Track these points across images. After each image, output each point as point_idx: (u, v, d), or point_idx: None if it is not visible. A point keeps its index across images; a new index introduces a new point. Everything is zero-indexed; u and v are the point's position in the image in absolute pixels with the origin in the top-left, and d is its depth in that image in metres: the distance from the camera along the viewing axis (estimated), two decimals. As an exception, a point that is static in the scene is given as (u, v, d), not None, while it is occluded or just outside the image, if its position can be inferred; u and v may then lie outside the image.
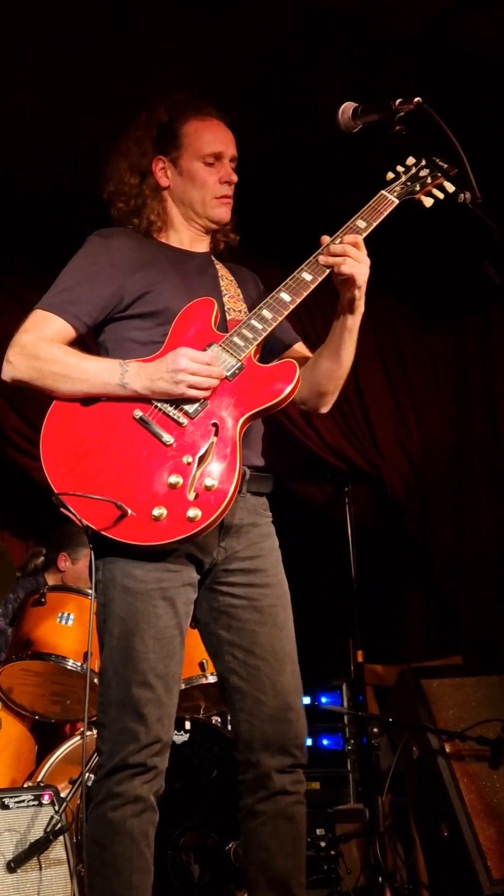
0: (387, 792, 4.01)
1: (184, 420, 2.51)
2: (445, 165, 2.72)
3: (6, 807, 3.15)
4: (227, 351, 2.57)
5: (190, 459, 2.46)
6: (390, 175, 2.77)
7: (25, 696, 4.10)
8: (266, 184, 4.65)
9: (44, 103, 4.41)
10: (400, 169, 2.78)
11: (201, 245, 2.89)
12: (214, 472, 2.45)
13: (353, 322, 2.70)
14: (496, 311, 5.95)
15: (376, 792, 4.01)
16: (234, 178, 2.82)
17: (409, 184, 2.75)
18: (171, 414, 2.52)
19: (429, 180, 2.75)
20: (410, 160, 2.77)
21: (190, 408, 2.51)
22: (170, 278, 2.72)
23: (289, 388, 2.55)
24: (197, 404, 2.52)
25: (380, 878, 3.84)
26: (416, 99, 2.61)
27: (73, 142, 4.52)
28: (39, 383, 2.57)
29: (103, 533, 2.44)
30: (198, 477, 2.45)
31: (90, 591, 4.06)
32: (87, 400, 2.56)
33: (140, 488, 2.45)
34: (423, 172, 2.76)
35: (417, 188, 2.75)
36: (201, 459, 2.46)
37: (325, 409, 2.86)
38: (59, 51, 4.15)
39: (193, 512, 2.40)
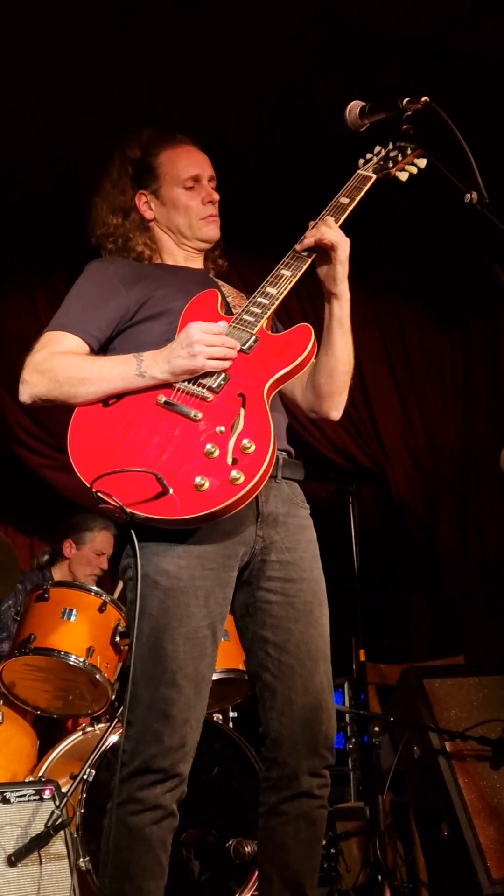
0: (387, 791, 4.01)
1: (209, 395, 2.48)
2: (411, 146, 2.82)
3: (7, 801, 3.16)
4: (239, 328, 2.58)
5: (223, 429, 2.43)
6: (361, 161, 2.89)
7: (28, 691, 4.11)
8: (266, 184, 4.66)
9: (49, 101, 4.41)
10: (369, 155, 2.90)
11: (196, 263, 2.93)
12: (249, 435, 2.42)
13: (341, 310, 2.72)
14: (502, 310, 5.94)
15: (377, 791, 4.02)
16: (216, 196, 2.88)
17: (381, 163, 2.87)
18: (195, 392, 2.49)
19: (399, 158, 2.85)
20: (377, 148, 2.89)
21: (213, 382, 2.49)
22: (169, 285, 2.75)
23: (308, 347, 2.56)
24: (219, 378, 2.50)
25: (379, 877, 3.85)
26: (424, 98, 2.61)
27: (82, 142, 4.53)
28: (58, 393, 2.55)
29: (148, 515, 2.38)
30: (233, 444, 2.41)
31: (94, 588, 4.12)
32: (108, 400, 2.55)
33: (177, 465, 2.40)
34: (393, 153, 2.87)
35: (391, 165, 2.85)
36: (233, 428, 2.44)
37: (335, 413, 2.83)
38: (62, 50, 4.15)
39: (236, 473, 2.35)
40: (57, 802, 3.23)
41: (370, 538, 5.58)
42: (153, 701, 2.42)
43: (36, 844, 3.10)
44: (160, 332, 2.65)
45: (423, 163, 2.82)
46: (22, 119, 4.52)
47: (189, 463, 2.40)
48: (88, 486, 2.41)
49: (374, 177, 2.83)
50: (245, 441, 2.40)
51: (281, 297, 2.63)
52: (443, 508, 6.08)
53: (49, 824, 3.14)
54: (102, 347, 2.72)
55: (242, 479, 2.35)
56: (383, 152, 2.87)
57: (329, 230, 2.68)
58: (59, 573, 4.92)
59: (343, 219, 2.73)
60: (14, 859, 3.06)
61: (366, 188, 2.81)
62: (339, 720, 5.09)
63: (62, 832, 3.16)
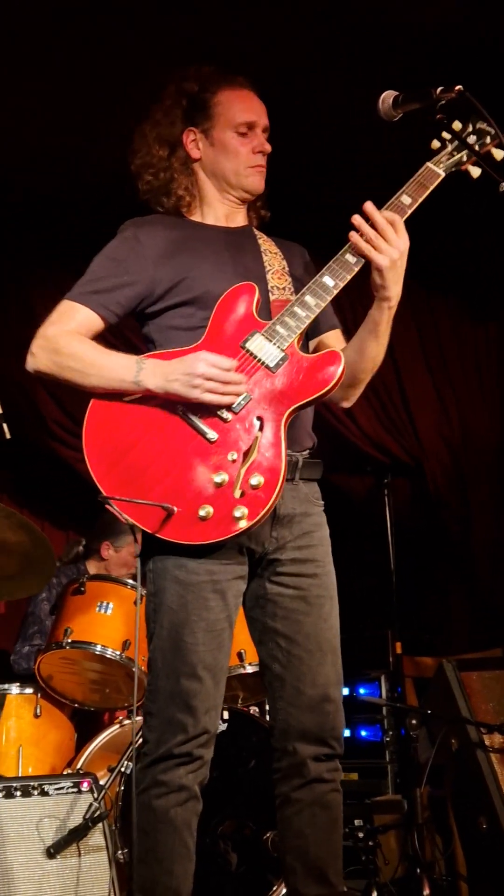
0: (425, 784, 4.00)
1: (228, 415, 2.48)
2: (493, 132, 2.61)
3: (46, 794, 3.18)
4: (270, 340, 2.53)
5: (235, 456, 2.45)
6: (436, 143, 2.67)
7: (65, 685, 4.12)
8: (267, 182, 4.64)
9: (51, 100, 4.40)
10: (446, 136, 2.66)
11: (238, 218, 2.83)
12: (260, 469, 2.43)
13: (381, 315, 2.60)
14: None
15: (415, 784, 4.01)
16: (268, 147, 2.77)
17: (455, 154, 2.64)
18: (213, 408, 2.49)
19: (477, 148, 2.63)
20: (457, 125, 2.64)
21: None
22: (206, 259, 2.67)
23: (334, 381, 2.50)
24: (240, 397, 2.48)
25: (418, 870, 3.84)
26: (458, 87, 2.56)
27: (99, 134, 4.51)
28: (59, 376, 2.58)
29: (151, 532, 2.45)
30: (243, 474, 2.43)
31: (130, 581, 4.13)
32: (129, 394, 2.56)
33: (186, 486, 2.44)
34: (471, 139, 2.63)
35: (464, 158, 2.64)
36: (246, 455, 2.44)
37: (346, 404, 2.80)
38: (61, 49, 4.14)
39: (240, 512, 2.40)
40: (95, 795, 3.24)
41: (406, 531, 5.55)
42: (175, 692, 2.47)
43: (74, 837, 3.11)
44: (192, 320, 2.63)
45: (500, 154, 2.61)
46: (22, 118, 4.52)
47: (196, 486, 2.44)
48: (101, 493, 2.47)
49: (444, 174, 2.61)
50: (253, 479, 2.42)
51: (318, 311, 2.55)
52: (479, 500, 6.03)
53: (87, 816, 3.15)
54: (139, 316, 2.70)
55: (246, 516, 2.40)
56: (461, 136, 2.62)
57: (382, 251, 2.50)
58: (93, 568, 4.91)
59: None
60: (53, 851, 3.08)
61: (432, 187, 2.61)
62: (376, 713, 5.11)
63: (100, 824, 3.18)
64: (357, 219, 2.56)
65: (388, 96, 2.68)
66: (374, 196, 2.60)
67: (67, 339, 2.58)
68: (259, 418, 2.48)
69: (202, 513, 2.41)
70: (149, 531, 2.45)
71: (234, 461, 2.44)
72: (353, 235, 2.54)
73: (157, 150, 2.77)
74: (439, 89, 2.59)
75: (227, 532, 2.41)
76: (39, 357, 2.59)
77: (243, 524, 2.40)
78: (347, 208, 2.60)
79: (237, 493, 2.42)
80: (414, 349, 6.00)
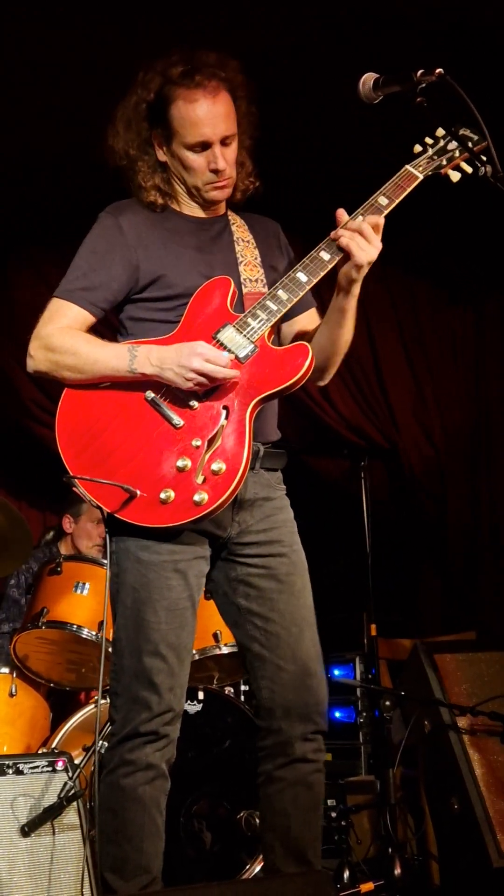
0: (398, 765, 4.03)
1: (194, 403, 2.53)
2: (475, 138, 2.64)
3: (21, 772, 3.18)
4: (241, 332, 2.56)
5: (199, 442, 2.49)
6: (418, 148, 2.72)
7: (41, 664, 4.13)
8: (271, 176, 4.62)
9: (59, 74, 4.37)
10: (428, 141, 2.72)
11: (215, 210, 2.82)
12: (223, 455, 2.48)
13: (349, 304, 2.66)
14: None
15: (388, 764, 4.04)
16: (221, 164, 2.66)
17: (435, 157, 2.70)
18: (182, 396, 2.53)
19: (457, 154, 2.69)
20: (440, 132, 2.70)
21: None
22: (184, 255, 2.70)
23: (301, 372, 2.55)
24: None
25: (390, 849, 3.88)
26: (438, 70, 2.56)
27: (94, 113, 4.49)
28: (57, 374, 2.61)
29: (112, 512, 2.50)
30: (206, 460, 2.47)
31: (106, 561, 4.13)
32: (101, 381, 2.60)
33: (150, 470, 2.49)
34: (452, 146, 2.69)
35: (444, 162, 2.70)
36: (210, 442, 2.49)
37: (322, 384, 2.85)
38: (72, 26, 4.11)
39: (200, 496, 2.44)
40: (69, 774, 3.25)
41: (382, 514, 5.57)
42: (139, 671, 2.50)
43: (49, 815, 3.11)
44: (167, 315, 2.66)
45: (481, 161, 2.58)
46: (41, 90, 4.49)
47: (159, 471, 2.48)
48: (67, 473, 2.52)
49: (421, 177, 2.67)
50: (215, 465, 2.46)
51: (290, 305, 2.60)
52: (454, 483, 6.07)
53: (62, 795, 3.16)
54: (118, 306, 2.73)
55: (205, 501, 2.44)
56: (442, 142, 2.69)
57: (358, 240, 2.56)
58: (64, 549, 4.92)
59: None
60: (27, 830, 3.08)
61: (409, 189, 2.66)
62: (350, 694, 5.14)
63: (75, 803, 3.18)
64: (341, 211, 2.61)
65: (368, 78, 2.68)
66: (365, 183, 2.63)
67: (61, 336, 2.61)
68: (226, 407, 2.53)
69: (163, 496, 2.45)
70: (111, 511, 2.49)
71: (197, 447, 2.49)
72: (340, 232, 2.57)
73: (130, 151, 2.73)
74: (420, 72, 2.58)
75: (187, 516, 2.45)
76: (37, 358, 2.63)
77: (202, 509, 2.44)
78: (358, 194, 2.64)
79: (198, 479, 2.46)
80: (393, 334, 6.02)
